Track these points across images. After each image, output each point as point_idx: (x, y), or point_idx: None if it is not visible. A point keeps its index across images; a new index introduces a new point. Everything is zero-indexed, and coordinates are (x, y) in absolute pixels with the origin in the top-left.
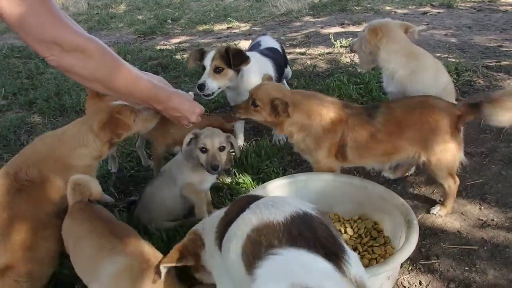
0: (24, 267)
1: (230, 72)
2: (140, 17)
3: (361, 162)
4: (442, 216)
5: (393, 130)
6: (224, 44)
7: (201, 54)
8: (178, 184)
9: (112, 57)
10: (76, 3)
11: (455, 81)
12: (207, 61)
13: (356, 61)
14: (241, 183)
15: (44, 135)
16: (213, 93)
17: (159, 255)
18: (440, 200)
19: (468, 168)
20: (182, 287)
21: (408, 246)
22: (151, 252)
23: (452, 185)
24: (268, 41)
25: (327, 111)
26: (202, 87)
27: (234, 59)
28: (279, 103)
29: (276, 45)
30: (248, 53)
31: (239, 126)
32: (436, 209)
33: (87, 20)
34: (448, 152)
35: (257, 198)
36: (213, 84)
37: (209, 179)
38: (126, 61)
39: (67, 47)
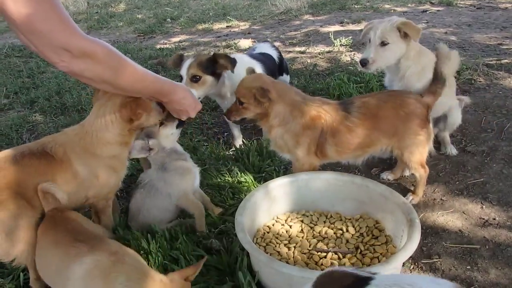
0: None
1: (209, 79)
2: (139, 16)
3: (339, 158)
4: (444, 215)
5: (369, 124)
6: (224, 43)
7: (181, 60)
8: (172, 197)
9: (119, 58)
10: (76, 2)
11: (455, 79)
12: (183, 71)
13: (357, 60)
14: (243, 181)
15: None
16: None
17: (127, 249)
18: (439, 200)
19: (470, 167)
20: None
21: (411, 244)
22: (117, 246)
23: (422, 174)
24: (264, 48)
25: (308, 108)
26: None
27: (222, 66)
28: (256, 91)
29: (272, 53)
30: (236, 55)
31: (235, 129)
32: (409, 198)
33: (87, 19)
34: (419, 144)
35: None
36: (197, 94)
37: (197, 176)
38: None
39: (76, 53)
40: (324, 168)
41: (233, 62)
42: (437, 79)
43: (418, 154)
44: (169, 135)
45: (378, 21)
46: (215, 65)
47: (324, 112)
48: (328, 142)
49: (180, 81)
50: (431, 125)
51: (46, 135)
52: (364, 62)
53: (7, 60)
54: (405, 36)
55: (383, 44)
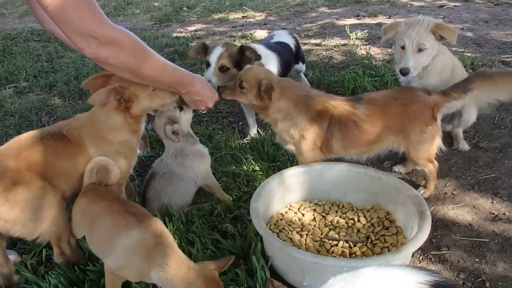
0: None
1: (234, 72)
2: (156, 3)
3: (345, 153)
4: (454, 209)
5: (376, 121)
6: (240, 34)
7: (205, 49)
8: (197, 180)
9: (142, 48)
10: None
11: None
12: (213, 58)
13: (372, 54)
14: (257, 170)
15: None
16: None
17: (168, 233)
18: (443, 192)
19: (481, 163)
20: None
21: (421, 235)
22: (163, 229)
23: (432, 169)
24: (282, 36)
25: (314, 102)
26: None
27: (248, 59)
28: (265, 85)
29: (290, 41)
30: (252, 46)
31: (251, 118)
32: (420, 192)
33: (104, 6)
34: (425, 141)
35: None
36: (217, 81)
37: (207, 152)
38: None
39: (103, 40)
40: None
41: (257, 57)
42: (459, 87)
43: (424, 151)
44: (189, 120)
45: (406, 24)
46: (240, 58)
47: (331, 107)
48: (334, 137)
49: (207, 68)
50: (438, 122)
51: (65, 119)
52: (406, 72)
53: (26, 44)
54: (440, 38)
55: (420, 50)
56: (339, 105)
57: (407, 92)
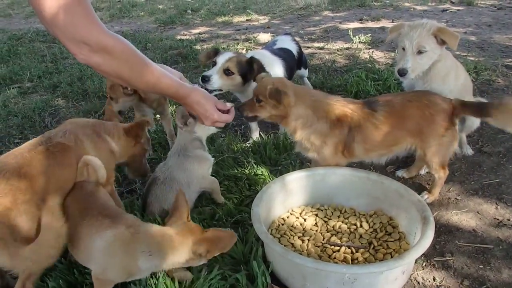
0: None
1: (238, 79)
2: (160, 6)
3: (366, 156)
4: (458, 214)
5: (395, 122)
6: (243, 37)
7: (216, 54)
8: (191, 185)
9: (137, 58)
10: None
11: (474, 80)
12: (221, 59)
13: (375, 58)
14: (259, 174)
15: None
16: (213, 90)
17: (142, 223)
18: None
19: (485, 168)
20: None
21: (424, 241)
22: (133, 219)
23: (442, 175)
24: (285, 42)
25: (332, 107)
26: (206, 79)
27: (253, 73)
28: (269, 90)
29: (292, 47)
30: (258, 51)
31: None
32: (424, 197)
33: (109, 8)
34: (442, 146)
35: None
36: (218, 82)
37: (211, 160)
38: (147, 49)
39: (95, 47)
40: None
41: (262, 69)
42: (481, 108)
43: (440, 155)
44: (205, 127)
45: (409, 26)
46: (248, 69)
47: (350, 111)
48: (356, 141)
49: (212, 67)
50: (457, 127)
51: (67, 119)
52: (403, 73)
53: (31, 45)
54: (442, 43)
55: (420, 52)
56: (357, 108)
57: (423, 96)
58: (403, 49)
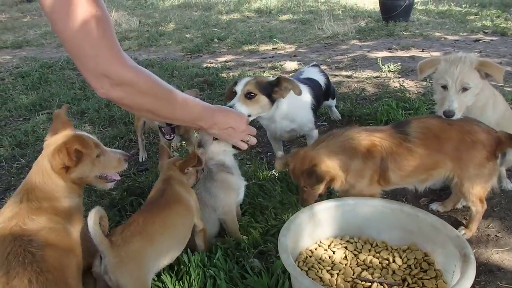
0: None
1: (264, 100)
2: (188, 35)
3: (404, 183)
4: (499, 253)
5: (431, 143)
6: (269, 65)
7: (235, 85)
8: (217, 210)
9: (160, 88)
10: (128, 20)
11: None
12: (239, 87)
13: (406, 87)
14: (285, 203)
15: None
16: None
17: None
18: (465, 220)
19: None
20: None
21: (465, 281)
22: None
23: (479, 209)
24: (312, 73)
25: (357, 141)
26: None
27: (280, 90)
28: (309, 176)
29: (319, 78)
30: None
31: (277, 146)
32: (461, 232)
33: (138, 37)
34: (482, 177)
35: None
36: (242, 109)
37: (241, 192)
38: (173, 77)
39: (117, 81)
40: None
41: (298, 91)
42: None
43: (479, 187)
44: (220, 151)
45: (447, 61)
46: (273, 89)
47: (378, 139)
48: (390, 169)
49: (233, 97)
50: (498, 161)
51: None
52: (451, 115)
53: (62, 72)
54: (485, 76)
55: (464, 89)
56: (386, 135)
57: (466, 121)
58: (444, 87)
